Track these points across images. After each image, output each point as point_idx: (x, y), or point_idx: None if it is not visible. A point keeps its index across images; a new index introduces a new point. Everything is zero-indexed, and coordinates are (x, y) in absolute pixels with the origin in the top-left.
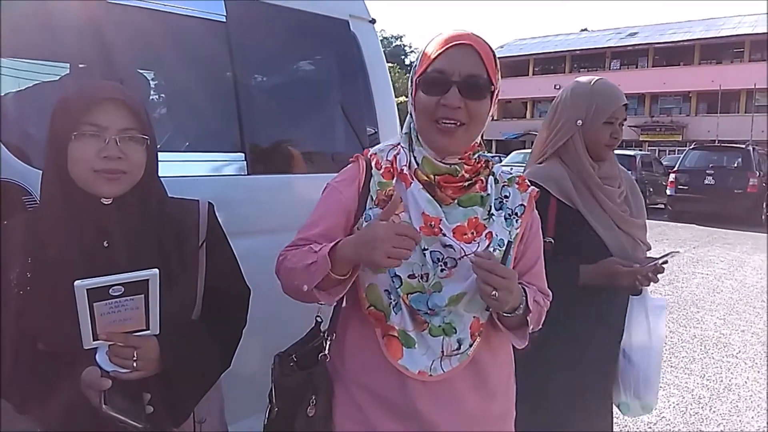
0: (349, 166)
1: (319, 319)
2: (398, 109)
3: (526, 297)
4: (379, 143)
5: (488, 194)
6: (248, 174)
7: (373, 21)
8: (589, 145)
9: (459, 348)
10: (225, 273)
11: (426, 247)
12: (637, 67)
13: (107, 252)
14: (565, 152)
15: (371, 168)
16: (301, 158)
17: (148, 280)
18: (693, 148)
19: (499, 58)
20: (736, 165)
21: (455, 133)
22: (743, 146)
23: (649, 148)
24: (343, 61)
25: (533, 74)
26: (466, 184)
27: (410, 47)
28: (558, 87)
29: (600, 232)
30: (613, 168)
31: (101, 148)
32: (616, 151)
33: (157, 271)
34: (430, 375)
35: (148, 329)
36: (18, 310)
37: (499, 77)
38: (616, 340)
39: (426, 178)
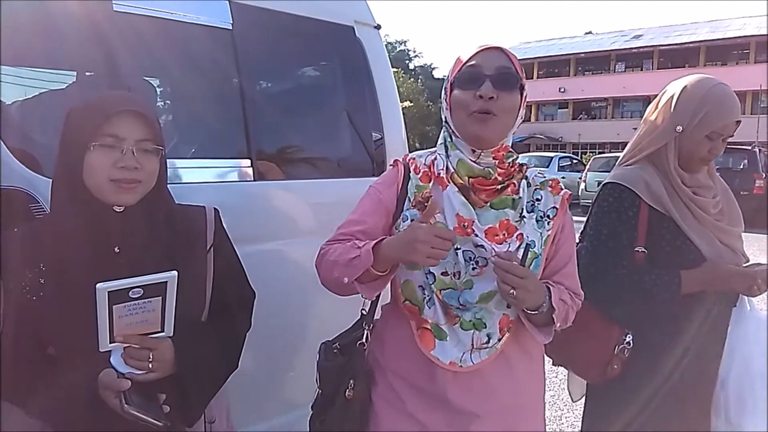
0: (388, 169)
1: (363, 312)
2: (402, 114)
3: (550, 296)
4: (384, 148)
5: (520, 197)
6: (254, 180)
7: (378, 27)
8: (682, 154)
9: (488, 342)
10: (231, 277)
11: (459, 247)
12: (642, 70)
13: (118, 258)
14: (657, 157)
15: (410, 172)
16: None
17: (166, 282)
18: None
19: None
20: (742, 167)
21: (489, 122)
22: (749, 147)
23: None
24: (349, 67)
25: (537, 77)
26: (499, 187)
27: (414, 52)
28: (563, 90)
29: (696, 241)
30: (707, 178)
31: (118, 159)
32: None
33: (175, 273)
34: (461, 366)
35: (163, 331)
36: (30, 315)
37: (525, 82)
38: (716, 359)
39: (461, 181)
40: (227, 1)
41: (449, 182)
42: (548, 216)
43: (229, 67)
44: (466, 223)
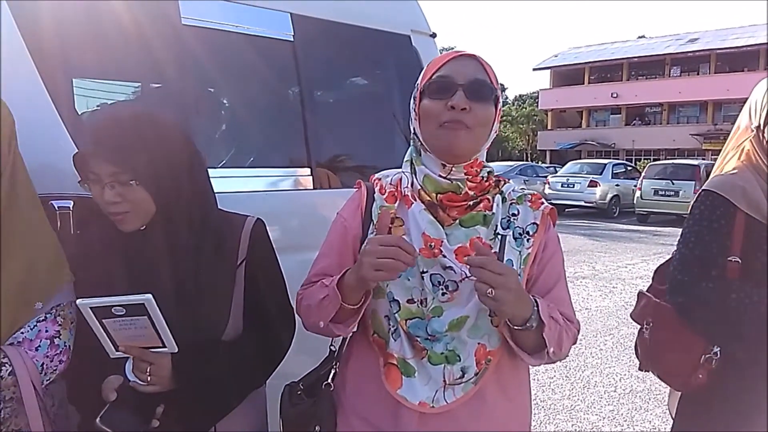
0: (353, 194)
1: (332, 348)
2: None
3: (538, 309)
4: None
5: (492, 213)
6: (314, 189)
7: (433, 35)
8: None
9: (463, 377)
10: (267, 292)
11: (425, 270)
12: (698, 74)
13: (143, 273)
14: (749, 159)
15: (374, 193)
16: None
17: (143, 303)
18: None
19: (552, 67)
20: None
21: (459, 133)
22: None
23: (713, 157)
24: (405, 76)
25: (589, 83)
26: (471, 203)
27: None
28: (615, 95)
29: None
30: None
31: (102, 194)
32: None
33: (150, 296)
34: (432, 406)
35: (165, 347)
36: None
37: (500, 94)
38: None
39: (428, 198)
40: (288, 14)
41: (415, 200)
42: (528, 233)
43: (290, 78)
44: (433, 244)
